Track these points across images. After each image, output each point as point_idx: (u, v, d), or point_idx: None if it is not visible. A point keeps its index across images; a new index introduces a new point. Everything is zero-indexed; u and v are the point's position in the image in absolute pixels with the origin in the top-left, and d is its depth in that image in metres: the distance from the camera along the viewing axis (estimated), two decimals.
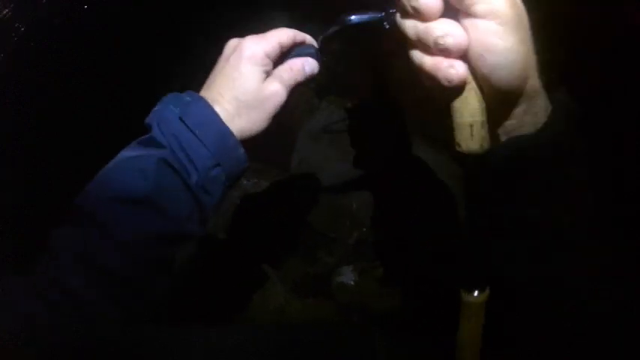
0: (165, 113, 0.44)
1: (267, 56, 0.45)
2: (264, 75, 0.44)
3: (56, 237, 0.41)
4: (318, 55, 0.47)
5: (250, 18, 0.73)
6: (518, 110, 0.31)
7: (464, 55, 0.30)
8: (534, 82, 0.31)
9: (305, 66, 0.46)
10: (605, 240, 0.35)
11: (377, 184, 0.81)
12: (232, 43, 0.47)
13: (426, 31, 0.30)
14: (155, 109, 0.45)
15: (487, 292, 0.35)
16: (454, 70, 0.30)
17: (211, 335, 0.47)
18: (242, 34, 0.48)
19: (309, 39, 0.48)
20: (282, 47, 0.46)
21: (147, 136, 0.45)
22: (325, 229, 0.99)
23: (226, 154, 0.44)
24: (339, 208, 0.97)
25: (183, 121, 0.42)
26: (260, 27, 0.48)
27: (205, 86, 0.46)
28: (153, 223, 0.41)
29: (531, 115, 0.31)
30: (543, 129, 0.31)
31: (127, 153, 0.45)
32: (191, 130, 0.42)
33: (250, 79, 0.43)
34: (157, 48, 0.89)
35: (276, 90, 0.44)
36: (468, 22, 0.29)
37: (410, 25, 0.31)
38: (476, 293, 0.35)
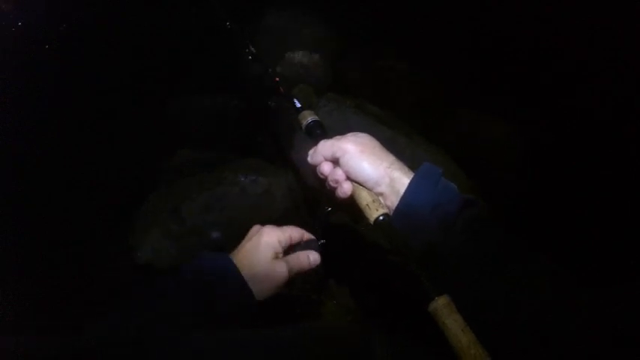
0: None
1: (279, 243, 0.58)
2: (274, 256, 0.58)
3: None
4: (320, 249, 0.62)
5: None
6: (386, 191, 0.53)
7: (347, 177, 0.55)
8: (386, 179, 0.53)
9: (309, 257, 0.60)
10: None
11: None
12: (255, 228, 0.61)
13: (329, 181, 0.56)
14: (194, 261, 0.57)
15: (444, 297, 0.44)
16: (343, 190, 0.55)
17: (215, 336, 0.48)
18: None
19: (313, 237, 0.63)
20: (292, 239, 0.60)
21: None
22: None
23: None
24: None
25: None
26: None
27: (232, 254, 0.59)
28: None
29: (395, 194, 0.53)
30: (400, 201, 0.52)
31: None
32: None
33: (263, 257, 0.56)
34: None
35: (280, 270, 0.56)
36: (340, 160, 0.55)
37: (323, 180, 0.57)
38: (434, 301, 0.44)
